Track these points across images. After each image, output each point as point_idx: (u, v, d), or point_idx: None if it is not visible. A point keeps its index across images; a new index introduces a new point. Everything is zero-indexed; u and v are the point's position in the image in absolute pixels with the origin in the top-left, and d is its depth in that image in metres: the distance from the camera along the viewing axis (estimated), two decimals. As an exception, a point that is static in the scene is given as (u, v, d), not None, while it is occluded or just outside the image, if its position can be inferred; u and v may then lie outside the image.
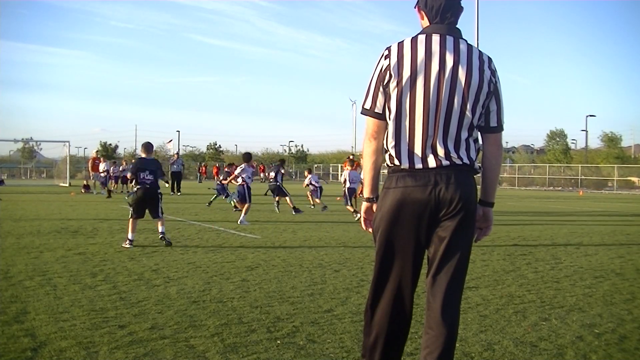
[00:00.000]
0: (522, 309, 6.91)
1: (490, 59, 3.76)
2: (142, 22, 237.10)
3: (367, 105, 3.77)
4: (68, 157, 52.65)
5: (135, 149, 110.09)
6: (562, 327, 6.19)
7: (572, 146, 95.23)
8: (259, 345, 5.39)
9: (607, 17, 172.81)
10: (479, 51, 3.74)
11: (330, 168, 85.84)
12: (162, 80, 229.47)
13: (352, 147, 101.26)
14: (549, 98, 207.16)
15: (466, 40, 3.74)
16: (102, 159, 37.87)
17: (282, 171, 22.61)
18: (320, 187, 24.06)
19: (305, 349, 5.32)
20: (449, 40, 3.68)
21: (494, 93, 3.75)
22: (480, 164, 3.85)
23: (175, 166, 36.27)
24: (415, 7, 3.91)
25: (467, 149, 3.71)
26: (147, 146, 12.72)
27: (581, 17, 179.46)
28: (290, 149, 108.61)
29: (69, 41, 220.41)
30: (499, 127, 3.82)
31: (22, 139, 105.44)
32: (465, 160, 3.68)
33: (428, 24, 3.79)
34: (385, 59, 3.69)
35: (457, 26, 3.78)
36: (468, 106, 3.64)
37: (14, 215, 18.69)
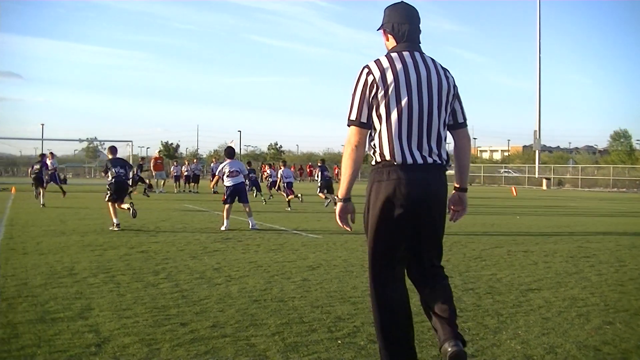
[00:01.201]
0: (585, 312, 6.74)
1: (447, 69, 4.48)
2: (203, 23, 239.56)
3: (353, 117, 4.29)
4: (131, 157, 53.46)
5: (197, 148, 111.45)
6: (626, 331, 6.00)
7: (637, 147, 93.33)
8: (320, 344, 5.36)
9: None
10: (439, 63, 4.46)
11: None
12: (223, 81, 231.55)
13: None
14: (611, 98, 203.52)
15: (427, 55, 4.45)
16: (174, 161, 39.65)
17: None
18: (289, 182, 25.00)
19: (366, 349, 5.26)
20: (417, 55, 4.38)
21: (457, 96, 4.49)
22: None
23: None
24: (379, 30, 4.60)
25: (443, 147, 4.40)
26: (112, 149, 16.20)
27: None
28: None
29: (132, 43, 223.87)
30: (465, 123, 4.57)
31: (87, 138, 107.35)
32: (444, 158, 4.40)
33: (395, 43, 4.46)
34: (368, 75, 4.26)
35: (419, 44, 4.48)
36: (442, 107, 4.35)
37: (78, 213, 19.04)
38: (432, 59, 4.42)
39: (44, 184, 24.08)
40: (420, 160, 4.24)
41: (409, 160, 4.22)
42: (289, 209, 22.62)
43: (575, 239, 13.78)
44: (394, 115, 4.22)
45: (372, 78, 4.25)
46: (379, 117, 4.26)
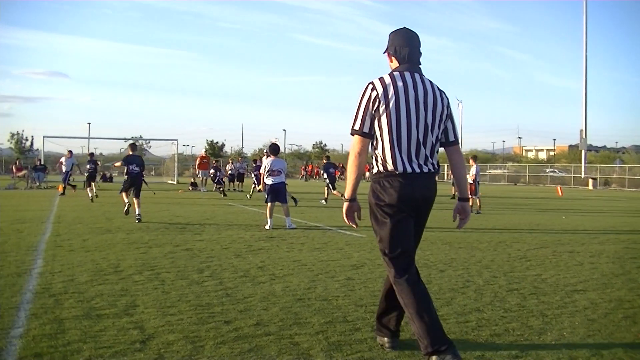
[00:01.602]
0: (632, 314, 6.60)
1: (442, 91, 5.03)
2: (249, 23, 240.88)
3: (357, 127, 4.86)
4: (176, 155, 53.94)
5: (242, 147, 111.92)
6: (677, 334, 5.89)
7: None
8: (363, 344, 5.33)
9: None
10: (436, 85, 5.01)
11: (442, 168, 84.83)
12: (268, 80, 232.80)
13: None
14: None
15: (426, 78, 5.01)
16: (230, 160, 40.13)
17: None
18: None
19: (410, 348, 5.21)
20: (417, 75, 4.93)
21: (450, 115, 5.05)
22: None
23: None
24: (385, 53, 5.16)
25: (435, 157, 4.99)
26: (132, 146, 18.14)
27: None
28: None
29: (178, 42, 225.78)
30: (456, 140, 5.15)
31: (132, 137, 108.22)
32: (436, 166, 4.99)
33: (397, 64, 5.02)
34: (372, 91, 4.82)
35: (420, 65, 5.05)
36: (436, 123, 4.91)
37: (124, 211, 19.23)
38: (430, 81, 5.00)
39: (94, 180, 25.13)
40: (417, 170, 4.85)
41: (409, 169, 4.82)
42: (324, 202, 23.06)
43: (621, 240, 13.55)
44: (395, 129, 4.79)
45: (376, 94, 4.81)
46: (380, 128, 4.83)
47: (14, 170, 40.98)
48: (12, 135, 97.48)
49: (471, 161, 22.62)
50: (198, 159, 38.60)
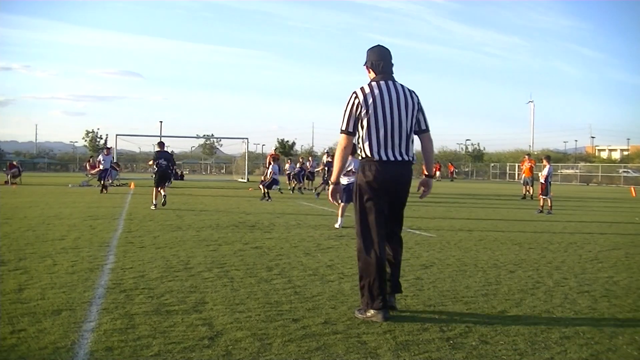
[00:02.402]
0: None
1: (412, 91, 6.33)
2: (319, 22, 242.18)
3: (343, 127, 6.23)
4: (247, 154, 54.39)
5: (312, 145, 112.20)
6: None
7: None
8: (431, 344, 5.26)
9: None
10: (407, 87, 6.31)
11: (507, 167, 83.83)
12: (338, 79, 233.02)
13: (530, 145, 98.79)
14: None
15: (398, 82, 6.30)
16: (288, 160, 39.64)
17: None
18: (275, 180, 25.45)
19: (478, 349, 5.14)
20: (390, 83, 6.25)
21: (420, 110, 6.35)
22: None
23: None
24: (364, 66, 6.49)
25: (411, 148, 6.27)
26: (160, 144, 21.07)
27: None
28: (466, 148, 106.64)
29: (248, 41, 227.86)
30: (427, 129, 6.43)
31: (204, 135, 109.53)
32: (411, 156, 6.25)
33: (375, 75, 6.35)
34: (355, 99, 6.17)
35: (392, 74, 6.36)
36: (408, 119, 6.21)
37: (195, 208, 19.47)
38: (402, 85, 6.30)
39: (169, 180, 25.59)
40: (392, 158, 6.15)
41: (384, 157, 6.14)
42: None
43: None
44: (373, 127, 6.12)
45: (358, 101, 6.15)
46: (362, 127, 6.18)
47: (88, 167, 41.73)
48: (87, 133, 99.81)
49: (544, 161, 22.25)
50: (268, 157, 38.81)
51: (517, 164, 68.35)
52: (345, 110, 6.18)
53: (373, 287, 6.00)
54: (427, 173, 6.69)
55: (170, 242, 11.27)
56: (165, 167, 19.64)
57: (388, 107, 6.11)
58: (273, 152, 40.28)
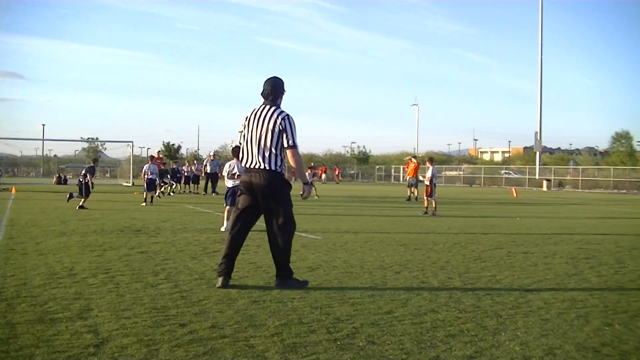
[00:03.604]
0: (584, 313, 6.73)
1: (280, 113, 7.71)
2: (208, 24, 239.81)
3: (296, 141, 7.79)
4: (131, 157, 53.45)
5: (198, 148, 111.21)
6: (625, 332, 6.01)
7: (639, 148, 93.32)
8: (319, 345, 5.35)
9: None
10: (278, 111, 7.75)
11: (392, 169, 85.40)
12: (227, 82, 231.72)
13: (414, 148, 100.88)
14: (613, 99, 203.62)
15: (275, 107, 7.81)
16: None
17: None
18: (151, 180, 25.44)
19: (365, 350, 5.26)
20: (266, 107, 7.81)
21: (284, 129, 7.63)
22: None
23: (209, 167, 36.87)
24: (261, 95, 7.92)
25: (273, 159, 7.66)
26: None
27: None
28: (352, 150, 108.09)
29: (134, 43, 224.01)
30: (289, 146, 7.67)
31: (88, 138, 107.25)
32: (272, 166, 7.67)
33: (263, 100, 7.89)
34: (246, 119, 7.83)
35: (274, 100, 7.88)
36: (269, 136, 7.63)
37: (78, 213, 19.04)
38: (274, 108, 7.76)
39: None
40: (255, 166, 7.70)
41: (249, 165, 7.78)
42: None
43: (575, 241, 13.78)
44: (247, 142, 7.80)
45: (244, 121, 7.85)
46: (244, 138, 7.87)
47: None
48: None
49: (427, 163, 22.73)
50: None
51: (402, 166, 69.63)
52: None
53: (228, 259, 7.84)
54: (302, 180, 8.08)
55: (54, 248, 11.00)
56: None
57: (254, 126, 7.73)
58: (155, 155, 39.84)
